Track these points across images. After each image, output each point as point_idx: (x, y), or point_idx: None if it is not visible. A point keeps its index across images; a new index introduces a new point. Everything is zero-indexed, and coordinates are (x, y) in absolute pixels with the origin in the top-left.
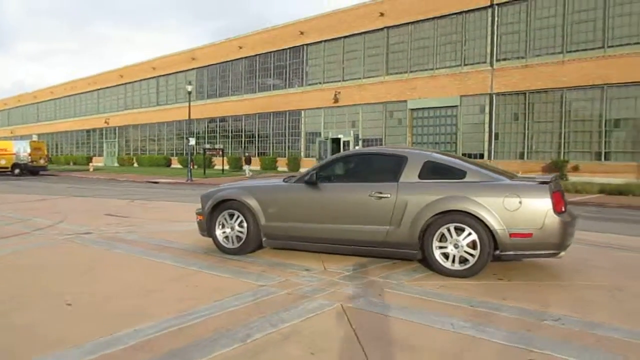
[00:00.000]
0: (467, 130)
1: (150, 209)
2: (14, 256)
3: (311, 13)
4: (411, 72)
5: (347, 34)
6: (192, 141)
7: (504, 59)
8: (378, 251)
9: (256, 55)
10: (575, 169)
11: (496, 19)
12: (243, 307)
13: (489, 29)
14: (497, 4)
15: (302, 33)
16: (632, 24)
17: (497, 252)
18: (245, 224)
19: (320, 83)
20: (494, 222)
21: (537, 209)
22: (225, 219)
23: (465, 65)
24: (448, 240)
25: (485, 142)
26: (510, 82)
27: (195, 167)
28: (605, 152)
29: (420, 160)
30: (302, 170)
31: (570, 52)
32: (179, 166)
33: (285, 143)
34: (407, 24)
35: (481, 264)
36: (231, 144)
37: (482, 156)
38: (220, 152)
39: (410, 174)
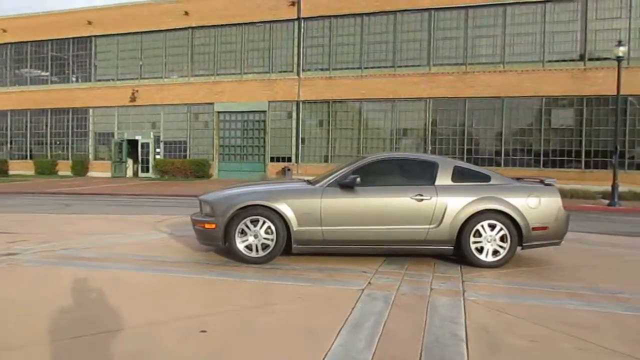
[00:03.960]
0: (275, 134)
1: (25, 222)
2: None
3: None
4: (218, 75)
5: (146, 30)
6: None
7: (310, 70)
8: (416, 249)
9: (27, 42)
10: None
11: (302, 31)
12: (391, 312)
13: (296, 40)
14: (303, 18)
15: (89, 23)
16: (415, 49)
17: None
18: (274, 230)
19: (113, 80)
20: (521, 219)
21: (552, 206)
22: (247, 226)
23: (273, 72)
24: (482, 235)
25: (293, 146)
26: (315, 91)
27: None
28: None
29: (450, 165)
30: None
31: (367, 68)
32: None
33: (68, 144)
34: (213, 26)
35: (510, 255)
36: None
37: (289, 159)
38: None
39: (443, 178)
